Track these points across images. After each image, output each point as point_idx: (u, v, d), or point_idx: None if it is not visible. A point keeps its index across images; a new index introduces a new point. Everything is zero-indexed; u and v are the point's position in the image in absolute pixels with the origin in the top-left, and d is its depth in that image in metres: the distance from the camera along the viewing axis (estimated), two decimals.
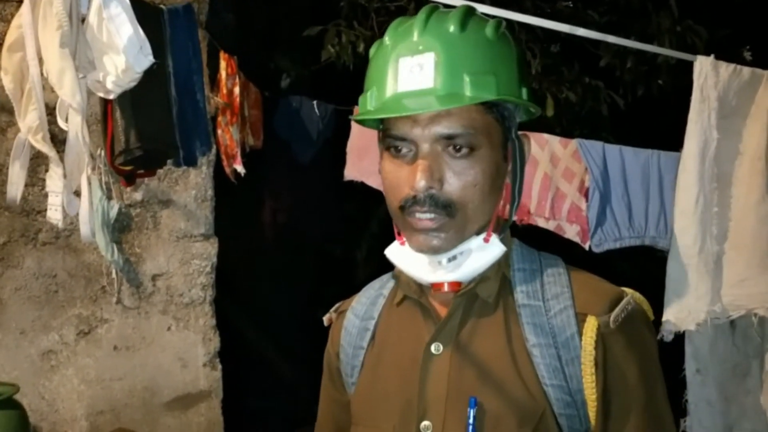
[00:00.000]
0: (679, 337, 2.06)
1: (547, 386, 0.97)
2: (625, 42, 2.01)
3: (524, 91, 1.01)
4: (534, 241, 1.15)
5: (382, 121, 1.03)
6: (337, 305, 1.23)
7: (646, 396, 0.97)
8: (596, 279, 1.05)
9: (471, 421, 0.97)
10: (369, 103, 1.02)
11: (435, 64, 0.96)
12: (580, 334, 0.97)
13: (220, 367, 2.78)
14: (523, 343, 0.99)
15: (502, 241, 1.05)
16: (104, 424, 2.52)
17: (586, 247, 2.84)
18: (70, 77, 1.39)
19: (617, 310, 0.97)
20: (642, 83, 4.09)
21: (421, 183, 0.96)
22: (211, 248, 2.76)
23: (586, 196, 2.84)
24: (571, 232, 2.86)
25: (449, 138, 0.97)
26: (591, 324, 0.97)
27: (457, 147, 0.97)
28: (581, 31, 1.92)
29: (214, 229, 2.77)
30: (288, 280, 4.26)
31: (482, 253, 1.02)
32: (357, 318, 1.17)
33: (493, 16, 1.10)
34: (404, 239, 1.05)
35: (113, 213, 2.39)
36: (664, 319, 1.95)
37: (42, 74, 1.47)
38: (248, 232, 4.39)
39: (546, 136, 2.84)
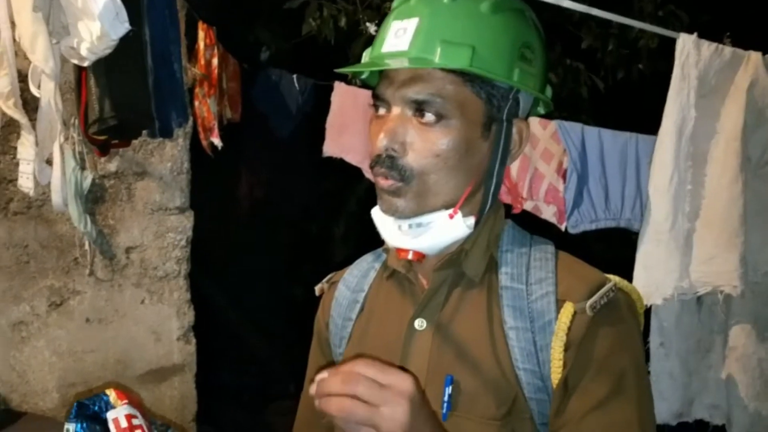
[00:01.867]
0: (646, 311, 2.10)
1: (519, 370, 0.97)
2: (609, 15, 1.99)
3: (516, 72, 0.99)
4: (513, 220, 1.15)
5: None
6: (329, 276, 1.24)
7: (612, 383, 0.94)
8: (583, 265, 1.04)
9: (446, 398, 0.98)
10: (363, 59, 1.05)
11: (416, 29, 0.97)
12: (558, 320, 0.96)
13: (194, 341, 2.76)
14: (501, 325, 0.99)
15: (491, 222, 1.06)
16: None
17: (563, 228, 2.86)
18: (43, 42, 1.35)
19: (596, 296, 0.95)
20: (623, 66, 4.10)
21: (382, 142, 0.97)
22: (187, 221, 2.73)
23: (564, 177, 2.85)
24: (548, 213, 2.88)
25: (418, 103, 0.97)
26: (567, 309, 0.96)
27: (426, 113, 0.97)
28: (566, 2, 1.91)
29: (190, 203, 2.74)
30: (264, 256, 4.24)
31: (445, 229, 1.01)
32: (348, 290, 1.18)
33: None
34: None
35: (86, 183, 2.35)
36: None
37: (14, 39, 1.43)
38: (225, 206, 4.36)
39: None
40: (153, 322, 2.66)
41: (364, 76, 1.12)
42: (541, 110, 1.15)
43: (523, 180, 2.83)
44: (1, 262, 2.35)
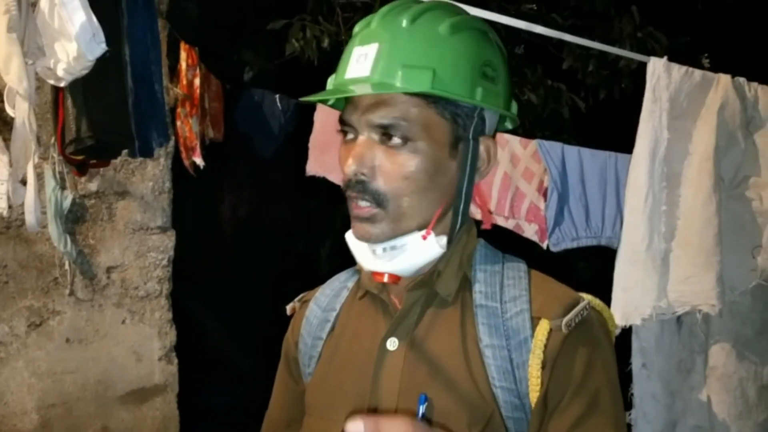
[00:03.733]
0: (627, 332, 2.10)
1: (496, 388, 0.97)
2: (581, 41, 2.03)
3: (479, 91, 1.00)
4: (495, 239, 1.16)
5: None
6: (301, 295, 1.24)
7: (588, 401, 0.95)
8: (555, 283, 1.05)
9: (420, 417, 0.97)
10: (328, 85, 1.06)
11: (376, 54, 0.98)
12: (534, 337, 0.97)
13: (176, 361, 2.75)
14: (477, 343, 1.00)
15: (464, 241, 1.06)
16: (55, 417, 2.48)
17: (544, 246, 2.88)
18: (17, 63, 1.36)
19: (571, 314, 0.96)
20: (604, 87, 4.15)
21: (351, 168, 0.98)
22: (168, 241, 2.73)
23: (545, 195, 2.88)
24: (530, 231, 2.90)
25: (383, 127, 0.98)
26: (543, 327, 0.97)
27: (390, 137, 0.98)
28: (539, 29, 1.94)
29: (171, 222, 2.74)
30: (248, 275, 4.23)
31: (419, 249, 1.02)
32: (319, 309, 1.17)
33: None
34: None
35: (66, 203, 2.35)
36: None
37: None
38: (208, 225, 4.35)
39: (506, 136, 2.86)
40: (134, 342, 2.65)
41: (330, 103, 1.14)
42: (509, 125, 1.16)
43: (505, 198, 2.85)
44: None
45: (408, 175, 0.98)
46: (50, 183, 2.31)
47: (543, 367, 0.95)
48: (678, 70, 1.95)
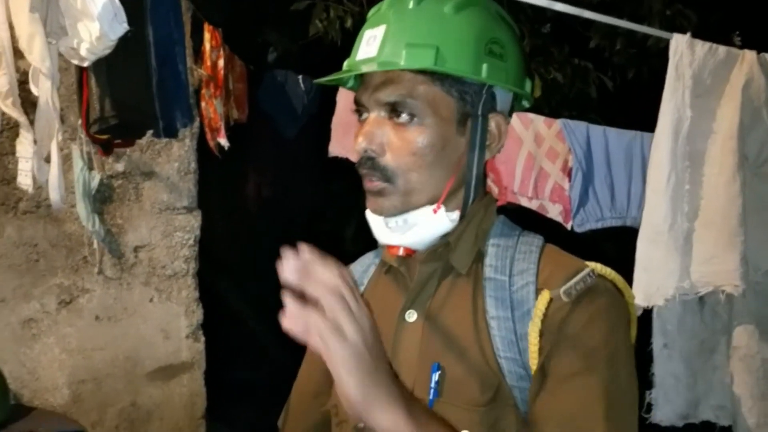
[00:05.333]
0: (648, 312, 2.08)
1: (501, 358, 0.99)
2: (601, 17, 2.00)
3: (484, 68, 1.01)
4: (523, 220, 1.17)
5: None
6: None
7: (582, 362, 0.95)
8: (566, 256, 1.06)
9: (432, 385, 1.00)
10: (344, 68, 1.08)
11: (383, 35, 1.01)
12: (535, 307, 0.98)
13: (203, 339, 2.80)
14: (484, 315, 1.02)
15: (480, 215, 1.08)
16: (86, 392, 2.54)
17: (568, 226, 2.87)
18: (39, 43, 1.39)
19: (571, 282, 0.97)
20: (632, 65, 4.09)
21: (361, 145, 1.02)
22: (194, 221, 2.77)
23: (569, 176, 2.86)
24: (554, 212, 2.89)
25: (390, 105, 1.01)
26: (543, 296, 0.98)
27: (398, 114, 1.01)
28: (559, 6, 1.92)
29: (197, 202, 2.78)
30: (273, 254, 4.25)
31: (430, 223, 1.04)
32: None
33: None
34: None
35: (94, 183, 2.40)
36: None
37: (13, 39, 1.47)
38: (233, 205, 4.39)
39: (530, 115, 2.85)
40: (162, 320, 2.70)
41: (349, 85, 1.17)
42: (526, 104, 1.17)
43: (528, 178, 2.84)
44: (11, 261, 2.40)
45: (416, 150, 1.01)
46: (78, 163, 2.36)
47: (541, 336, 0.96)
48: (702, 46, 1.92)
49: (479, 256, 1.07)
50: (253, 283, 4.26)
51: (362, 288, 1.20)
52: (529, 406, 0.97)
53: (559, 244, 1.10)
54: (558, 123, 2.84)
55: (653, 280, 1.94)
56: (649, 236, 1.98)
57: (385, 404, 0.83)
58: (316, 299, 0.79)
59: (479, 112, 1.04)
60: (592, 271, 0.99)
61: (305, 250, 0.81)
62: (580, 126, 2.82)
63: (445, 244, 1.06)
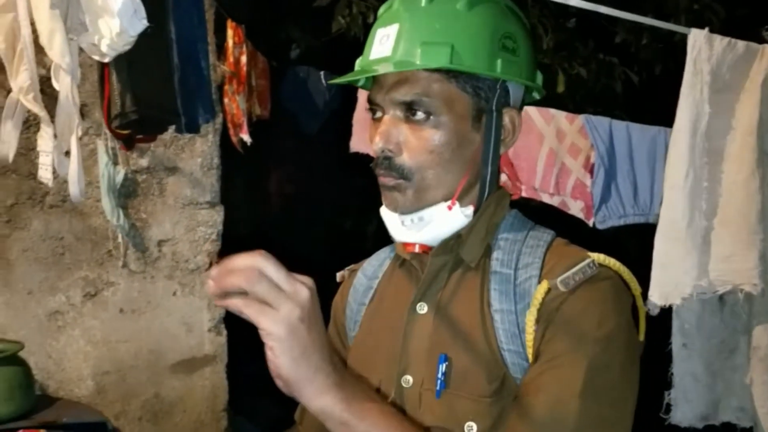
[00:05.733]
0: (667, 311, 2.06)
1: (504, 351, 0.99)
2: (614, 12, 1.98)
3: (498, 63, 1.02)
4: (543, 216, 1.17)
5: None
6: (351, 265, 1.30)
7: (568, 344, 0.94)
8: (570, 247, 1.06)
9: (440, 375, 1.02)
10: (356, 67, 1.10)
11: (397, 34, 1.01)
12: (533, 297, 0.99)
13: (225, 332, 2.83)
14: (489, 308, 1.02)
15: (491, 210, 1.09)
16: (110, 384, 2.59)
17: (590, 223, 2.85)
18: (59, 39, 1.42)
19: (569, 272, 0.97)
20: (659, 61, 4.04)
21: (378, 145, 1.03)
22: (217, 216, 2.80)
23: (591, 172, 2.84)
24: (575, 208, 2.87)
25: (406, 104, 1.01)
26: (542, 287, 0.98)
27: (414, 113, 1.01)
28: (573, 1, 1.90)
29: (220, 197, 2.81)
30: (295, 250, 4.29)
31: (445, 220, 1.05)
32: (365, 277, 1.24)
33: None
34: None
35: (119, 178, 2.44)
36: (649, 292, 1.95)
37: (35, 35, 1.50)
38: (255, 201, 4.43)
39: (552, 111, 2.83)
40: (184, 314, 2.74)
41: (360, 84, 1.18)
42: (536, 96, 1.17)
43: (550, 175, 2.83)
44: (37, 254, 2.45)
45: (432, 148, 1.02)
46: (103, 158, 2.40)
47: (537, 323, 0.96)
48: (720, 41, 1.89)
49: (489, 250, 1.07)
50: None
51: (377, 280, 1.22)
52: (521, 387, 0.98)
53: (580, 242, 1.10)
54: (580, 118, 2.82)
55: (670, 278, 1.92)
56: (667, 234, 1.96)
57: (319, 385, 0.82)
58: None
59: (494, 108, 1.05)
60: (593, 261, 0.99)
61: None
62: (602, 121, 2.80)
63: (456, 236, 1.07)
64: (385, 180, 1.04)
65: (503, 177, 2.91)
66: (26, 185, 2.40)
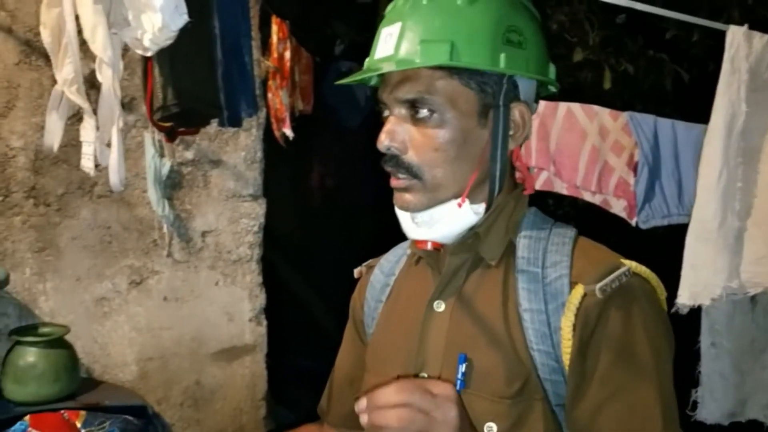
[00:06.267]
0: (696, 311, 2.03)
1: (534, 351, 0.99)
2: (648, 8, 1.94)
3: (502, 57, 1.01)
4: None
5: None
6: (368, 261, 1.31)
7: (629, 369, 0.95)
8: (600, 249, 1.05)
9: (459, 376, 1.01)
10: (365, 67, 1.10)
11: (399, 32, 1.02)
12: (568, 301, 0.98)
13: (265, 323, 2.88)
14: (516, 307, 1.02)
15: (511, 207, 1.08)
16: (153, 370, 2.66)
17: (633, 222, 2.80)
18: (102, 33, 1.47)
19: (607, 279, 0.96)
20: (711, 58, 3.94)
21: (383, 143, 1.04)
22: (259, 208, 2.85)
23: (635, 170, 2.79)
24: (618, 207, 2.82)
25: (410, 102, 1.02)
26: (577, 291, 0.98)
27: (418, 111, 1.01)
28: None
29: (262, 191, 2.86)
30: (336, 243, 4.34)
31: (455, 218, 1.05)
32: (382, 274, 1.24)
33: None
34: None
35: (165, 170, 2.51)
36: (679, 292, 1.92)
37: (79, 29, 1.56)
38: (297, 194, 4.48)
39: (595, 107, 2.79)
40: (226, 303, 2.79)
41: (373, 83, 1.18)
42: (552, 89, 1.16)
43: (592, 173, 2.79)
44: (86, 242, 2.53)
45: (438, 146, 1.02)
46: (149, 150, 2.47)
47: (574, 329, 0.96)
48: (759, 38, 1.85)
49: (510, 248, 1.07)
50: (316, 270, 4.35)
51: (393, 277, 1.22)
52: (569, 405, 0.98)
53: (631, 241, 1.10)
54: (624, 116, 2.77)
55: (700, 279, 1.89)
56: (698, 234, 1.93)
57: None
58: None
59: (500, 103, 1.04)
60: (628, 269, 0.99)
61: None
62: (647, 119, 2.74)
63: (474, 235, 1.07)
64: (396, 182, 1.04)
65: (545, 174, 2.89)
66: (76, 175, 2.48)
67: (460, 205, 1.04)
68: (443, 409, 0.86)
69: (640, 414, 0.94)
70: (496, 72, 1.02)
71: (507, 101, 1.04)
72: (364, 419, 0.86)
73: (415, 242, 1.09)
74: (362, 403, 0.87)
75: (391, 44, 1.02)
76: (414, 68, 1.00)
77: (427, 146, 1.02)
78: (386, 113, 1.06)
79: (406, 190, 1.04)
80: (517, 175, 1.13)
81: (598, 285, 0.96)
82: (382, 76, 1.07)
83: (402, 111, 1.03)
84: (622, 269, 0.98)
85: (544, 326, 0.99)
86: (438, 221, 1.05)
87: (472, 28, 1.01)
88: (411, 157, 1.03)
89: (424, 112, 1.01)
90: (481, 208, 1.06)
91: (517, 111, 1.06)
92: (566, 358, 0.97)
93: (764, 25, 3.28)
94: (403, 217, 1.08)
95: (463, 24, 1.01)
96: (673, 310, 1.86)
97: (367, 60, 1.10)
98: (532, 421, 0.98)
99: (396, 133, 1.03)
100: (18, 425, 1.86)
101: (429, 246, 1.07)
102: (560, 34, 3.66)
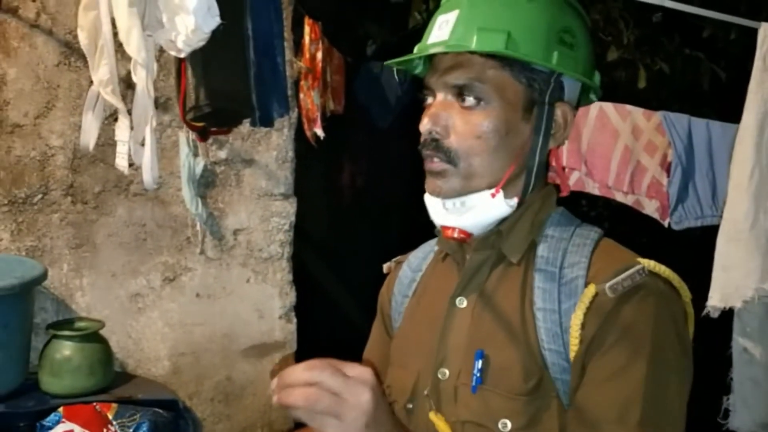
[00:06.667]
0: (728, 314, 1.99)
1: (545, 350, 0.99)
2: (681, 6, 1.92)
3: (555, 56, 1.02)
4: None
5: None
6: (398, 257, 1.33)
7: (624, 359, 0.93)
8: (620, 250, 1.05)
9: (476, 372, 1.02)
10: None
11: (456, 19, 1.03)
12: (579, 300, 0.98)
13: (295, 320, 2.90)
14: (531, 306, 1.02)
15: (537, 206, 1.09)
16: (185, 365, 2.71)
17: (665, 223, 2.77)
18: (136, 35, 1.51)
19: (618, 278, 0.95)
20: (749, 57, 3.87)
21: (426, 126, 1.04)
22: (290, 207, 2.87)
23: (668, 171, 2.76)
24: (650, 208, 2.80)
25: (458, 88, 1.03)
26: (589, 291, 0.97)
27: (465, 97, 1.02)
28: None
29: (293, 190, 2.89)
30: (366, 243, 4.35)
31: (487, 207, 1.05)
32: (410, 270, 1.26)
33: None
34: None
35: (199, 169, 2.55)
36: (709, 294, 1.89)
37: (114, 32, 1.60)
38: (328, 194, 4.51)
39: (628, 107, 2.77)
40: (257, 300, 2.83)
41: (418, 71, 1.18)
42: (594, 98, 1.16)
43: (624, 173, 2.77)
44: (121, 239, 2.59)
45: (480, 134, 1.02)
46: (184, 150, 2.51)
47: (582, 328, 0.96)
48: None
49: (533, 247, 1.07)
50: (346, 268, 4.37)
51: (420, 273, 1.23)
52: (570, 397, 0.98)
53: (655, 242, 1.08)
54: (658, 115, 2.75)
55: (731, 280, 1.86)
56: (730, 234, 1.90)
57: None
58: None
59: (546, 100, 1.04)
60: (644, 268, 0.97)
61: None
62: (681, 118, 2.72)
63: (497, 232, 1.07)
64: (432, 165, 1.05)
65: (576, 174, 2.87)
66: (112, 174, 2.54)
67: (493, 196, 1.04)
68: (355, 392, 0.83)
69: (620, 403, 0.92)
70: (547, 69, 1.03)
71: (552, 99, 1.05)
72: (274, 399, 0.85)
73: (443, 229, 1.09)
74: (273, 383, 0.86)
75: (447, 30, 1.03)
76: (467, 55, 1.01)
77: (469, 133, 1.02)
78: (429, 100, 1.07)
79: (440, 174, 1.04)
80: (550, 175, 1.14)
81: (609, 284, 0.95)
82: (430, 63, 1.08)
83: (449, 96, 1.04)
84: (636, 268, 0.97)
85: (556, 326, 0.99)
86: (470, 209, 1.05)
87: (529, 23, 1.02)
88: (451, 142, 1.03)
89: (470, 100, 1.02)
90: (513, 201, 1.07)
91: (560, 111, 1.07)
92: (573, 356, 0.97)
93: None
94: (433, 203, 1.08)
95: (521, 17, 1.02)
96: (704, 313, 1.84)
97: (417, 45, 1.11)
98: (546, 419, 0.98)
99: (439, 117, 1.03)
100: (52, 416, 1.91)
101: (456, 234, 1.06)
102: (594, 32, 3.63)
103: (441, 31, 1.04)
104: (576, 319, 0.96)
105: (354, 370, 0.86)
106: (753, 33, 3.69)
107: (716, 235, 2.92)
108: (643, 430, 0.91)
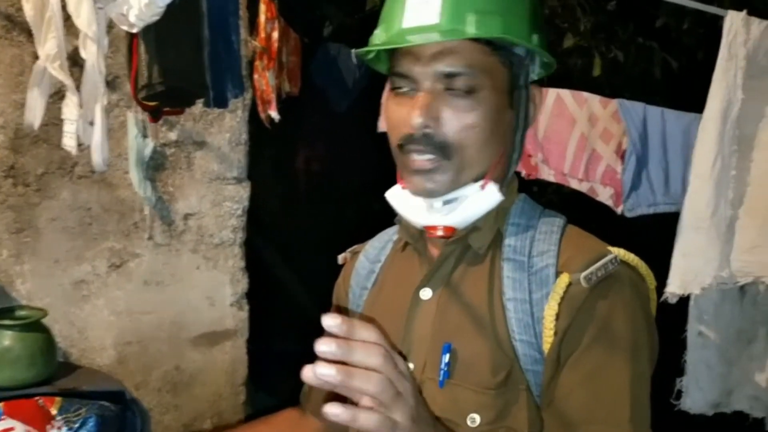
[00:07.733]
0: (684, 299, 2.03)
1: (516, 341, 0.97)
2: None
3: (535, 37, 0.99)
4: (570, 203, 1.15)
5: (391, 62, 1.03)
6: (353, 247, 1.28)
7: (603, 356, 0.92)
8: (589, 238, 1.03)
9: (443, 366, 0.99)
10: (377, 40, 1.04)
11: (441, 1, 0.96)
12: (553, 290, 0.96)
13: (247, 307, 2.84)
14: (501, 296, 0.99)
15: (505, 193, 1.05)
16: (131, 354, 2.62)
17: (619, 211, 2.79)
18: (87, 7, 1.42)
19: (592, 268, 0.94)
20: (701, 46, 3.93)
21: (417, 120, 0.97)
22: (244, 192, 2.80)
23: (623, 158, 2.77)
24: (604, 195, 2.81)
25: (449, 76, 0.97)
26: (562, 280, 0.95)
27: (457, 86, 0.96)
28: None
29: (247, 173, 2.81)
30: (321, 228, 4.31)
31: (477, 200, 1.01)
32: (367, 261, 1.21)
33: None
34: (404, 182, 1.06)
35: (148, 151, 2.45)
36: (668, 280, 1.92)
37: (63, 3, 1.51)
38: (282, 178, 4.44)
39: (585, 94, 2.77)
40: (208, 288, 2.75)
41: (370, 57, 1.11)
42: (542, 72, 1.13)
43: (580, 160, 2.77)
44: (65, 223, 2.47)
45: (473, 124, 0.98)
46: (132, 130, 2.41)
47: (557, 319, 0.94)
48: (758, 25, 1.83)
49: (498, 236, 1.04)
50: (300, 255, 4.31)
51: (379, 264, 1.19)
52: (544, 393, 0.95)
53: (614, 230, 1.08)
54: (614, 103, 2.75)
55: (691, 268, 1.89)
56: (691, 222, 1.92)
57: None
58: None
59: (523, 83, 1.02)
60: (615, 257, 0.96)
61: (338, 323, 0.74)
62: (637, 106, 2.73)
63: (471, 227, 1.04)
64: (421, 163, 0.98)
65: (538, 158, 2.86)
66: (56, 155, 2.41)
67: (483, 187, 1.01)
68: (403, 383, 0.75)
69: (608, 402, 0.91)
70: (522, 51, 1.01)
71: (527, 82, 1.03)
72: (321, 372, 0.72)
73: (426, 229, 1.04)
74: (327, 349, 0.74)
75: (431, 12, 0.95)
76: (455, 40, 0.96)
77: (461, 123, 0.97)
78: (404, 89, 1.00)
79: (431, 172, 0.99)
80: (538, 158, 1.12)
81: (583, 273, 0.94)
82: (400, 48, 1.00)
83: (437, 85, 0.98)
84: (609, 257, 0.96)
85: (527, 316, 0.97)
86: (459, 205, 1.01)
87: (516, 4, 0.98)
88: (445, 134, 0.97)
89: (462, 88, 0.97)
90: (503, 191, 1.04)
91: (535, 93, 1.04)
92: (546, 347, 0.95)
93: (760, 12, 3.27)
94: (415, 203, 1.03)
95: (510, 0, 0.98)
96: (662, 299, 1.86)
97: (379, 30, 1.03)
98: (515, 412, 0.96)
99: (431, 109, 0.97)
100: None
101: (440, 232, 1.02)
102: (551, 19, 3.63)
103: (421, 12, 0.96)
104: (550, 310, 0.94)
105: (399, 361, 0.77)
106: (706, 23, 3.75)
107: (666, 222, 2.97)
108: (634, 427, 0.89)
